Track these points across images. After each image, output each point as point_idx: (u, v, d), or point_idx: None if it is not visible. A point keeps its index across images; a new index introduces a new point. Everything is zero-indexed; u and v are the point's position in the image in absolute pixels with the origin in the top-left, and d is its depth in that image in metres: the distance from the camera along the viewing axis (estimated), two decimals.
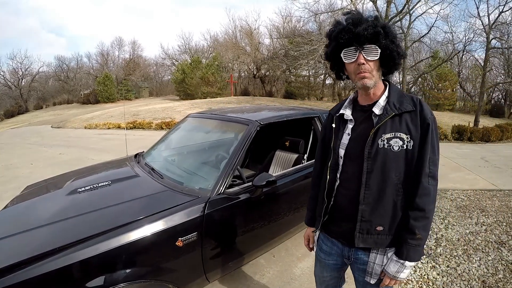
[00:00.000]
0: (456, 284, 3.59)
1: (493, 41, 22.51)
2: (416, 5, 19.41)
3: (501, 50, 24.96)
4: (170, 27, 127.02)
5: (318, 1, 21.44)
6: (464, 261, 4.07)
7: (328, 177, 2.04)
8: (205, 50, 55.59)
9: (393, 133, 1.78)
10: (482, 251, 4.30)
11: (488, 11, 21.88)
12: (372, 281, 1.94)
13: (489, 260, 4.11)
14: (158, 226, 2.49)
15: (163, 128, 17.36)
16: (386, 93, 1.88)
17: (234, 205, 2.97)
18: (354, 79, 1.85)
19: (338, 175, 1.98)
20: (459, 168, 8.91)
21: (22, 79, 64.00)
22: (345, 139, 1.95)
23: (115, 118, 23.16)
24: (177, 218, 2.60)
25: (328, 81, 45.83)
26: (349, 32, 1.74)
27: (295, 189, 3.72)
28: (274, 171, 4.61)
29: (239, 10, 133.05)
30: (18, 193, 5.66)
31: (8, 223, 2.82)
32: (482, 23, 22.38)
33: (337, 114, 2.03)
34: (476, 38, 23.69)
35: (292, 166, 4.22)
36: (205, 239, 2.75)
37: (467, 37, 23.99)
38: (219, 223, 2.90)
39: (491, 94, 42.50)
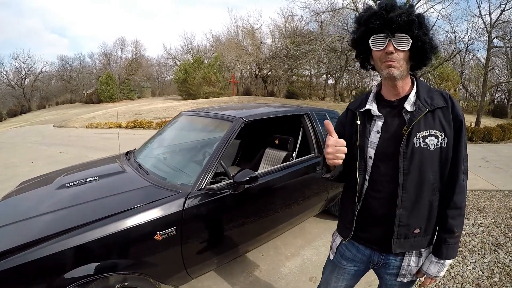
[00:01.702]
0: (449, 287, 3.53)
1: (495, 40, 22.47)
2: (417, 4, 19.32)
3: (503, 49, 24.88)
4: (172, 27, 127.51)
5: (318, 0, 21.33)
6: (459, 263, 4.01)
7: (357, 179, 1.88)
8: (207, 50, 55.76)
9: (428, 131, 1.69)
10: (478, 253, 4.23)
11: (489, 9, 21.76)
12: (406, 280, 1.90)
13: (484, 262, 4.03)
14: (137, 219, 2.53)
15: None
16: (415, 88, 1.79)
17: (215, 200, 2.97)
18: (380, 68, 1.74)
19: (367, 177, 1.86)
20: None
21: (25, 79, 64.34)
22: (374, 137, 1.82)
23: (116, 117, 23.27)
24: (156, 212, 2.62)
25: (330, 81, 45.91)
26: (381, 18, 1.63)
27: (282, 187, 3.71)
28: (264, 168, 4.58)
29: (240, 10, 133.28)
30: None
31: (1, 214, 2.91)
32: (483, 22, 22.34)
33: (362, 110, 1.88)
34: (478, 38, 23.64)
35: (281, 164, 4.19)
36: (185, 234, 2.76)
37: (469, 36, 23.96)
38: (200, 218, 2.90)
39: (493, 94, 42.50)
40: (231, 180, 3.06)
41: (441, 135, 1.68)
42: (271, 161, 4.63)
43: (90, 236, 2.33)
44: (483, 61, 24.98)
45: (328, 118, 4.67)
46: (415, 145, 1.68)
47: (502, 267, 3.92)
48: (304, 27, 34.39)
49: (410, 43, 1.62)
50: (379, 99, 1.86)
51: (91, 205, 2.78)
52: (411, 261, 1.84)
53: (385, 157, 1.77)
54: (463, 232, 4.78)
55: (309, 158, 4.16)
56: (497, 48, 24.22)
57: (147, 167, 3.52)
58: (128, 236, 2.49)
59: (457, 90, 38.11)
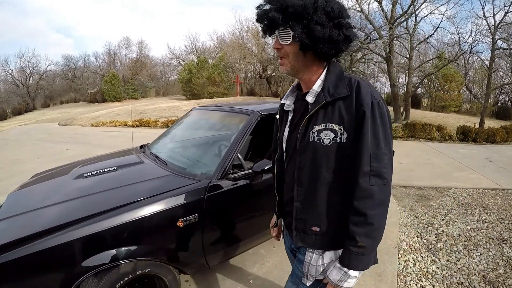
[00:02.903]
0: (456, 278, 3.62)
1: (499, 42, 22.47)
2: (421, 5, 19.38)
3: (507, 51, 24.88)
4: (177, 27, 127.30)
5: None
6: (465, 256, 4.10)
7: (275, 170, 2.01)
8: (212, 50, 55.82)
9: (324, 124, 1.56)
10: (483, 247, 4.32)
11: (493, 11, 21.77)
12: (308, 283, 1.75)
13: (489, 255, 4.13)
14: (159, 206, 2.59)
15: (168, 126, 17.42)
16: (322, 76, 1.65)
17: (234, 189, 3.06)
18: None
19: (284, 169, 1.88)
20: (462, 168, 8.94)
21: (30, 78, 64.54)
22: (286, 131, 1.82)
23: (121, 116, 23.43)
24: (178, 200, 2.69)
25: None
26: (259, 16, 1.58)
27: None
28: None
29: (245, 10, 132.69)
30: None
31: (21, 203, 2.99)
32: (487, 23, 22.36)
33: (280, 104, 1.89)
34: (482, 39, 23.67)
35: None
36: (206, 221, 2.84)
37: (473, 38, 23.97)
38: (219, 206, 2.98)
39: (497, 96, 42.37)
40: (250, 170, 3.17)
41: (340, 129, 1.53)
42: None
43: (112, 222, 2.38)
44: (487, 62, 24.93)
45: None
46: (310, 139, 1.59)
47: (506, 260, 4.02)
48: None
49: (291, 36, 1.52)
50: (298, 93, 1.80)
51: (112, 193, 2.86)
52: (312, 259, 1.73)
53: (291, 150, 1.75)
54: (468, 228, 4.89)
55: None
56: (501, 50, 24.20)
57: (164, 158, 3.60)
58: (151, 223, 2.55)
59: (461, 91, 38.03)
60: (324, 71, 1.65)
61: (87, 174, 3.29)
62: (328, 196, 1.61)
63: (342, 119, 1.52)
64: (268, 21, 1.54)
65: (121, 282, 2.42)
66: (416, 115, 23.38)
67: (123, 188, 2.95)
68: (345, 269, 1.55)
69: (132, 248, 2.46)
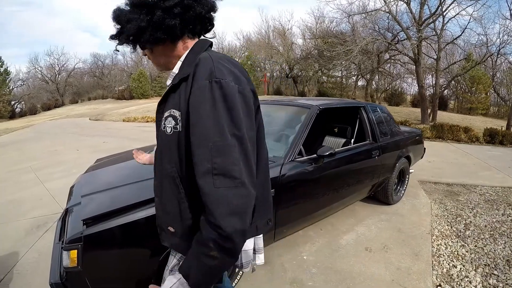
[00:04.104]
0: (483, 260, 3.97)
1: None
2: (449, 6, 19.28)
3: None
4: None
5: (353, 2, 21.39)
6: (490, 243, 4.42)
7: None
8: (238, 49, 55.83)
9: (169, 110, 1.39)
10: (508, 237, 4.60)
11: None
12: None
13: None
14: None
15: None
16: (183, 57, 1.48)
17: (302, 170, 3.48)
18: None
19: None
20: (489, 168, 9.04)
21: (59, 75, 65.34)
22: None
23: (151, 112, 23.58)
24: None
25: (360, 83, 45.68)
26: None
27: (346, 166, 4.22)
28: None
29: (271, 10, 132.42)
30: (68, 174, 6.96)
31: (101, 180, 3.32)
32: None
33: None
34: (510, 41, 23.42)
35: None
36: (279, 196, 3.19)
37: (501, 39, 23.66)
38: (290, 184, 3.34)
39: None
40: (314, 155, 3.59)
41: (179, 115, 1.34)
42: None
43: None
44: None
45: (380, 111, 5.26)
46: (161, 128, 1.43)
47: None
48: (335, 28, 34.44)
49: (118, 29, 1.41)
50: None
51: None
52: (172, 263, 1.58)
53: None
54: (494, 220, 5.19)
55: (365, 144, 4.68)
56: None
57: None
58: None
59: (488, 94, 37.47)
60: (187, 51, 1.47)
61: None
62: (176, 194, 1.42)
63: (180, 104, 1.34)
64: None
65: None
66: (443, 117, 23.25)
67: None
68: (179, 276, 1.23)
69: None
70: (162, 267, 2.43)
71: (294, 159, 3.45)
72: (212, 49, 1.53)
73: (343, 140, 4.98)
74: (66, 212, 2.80)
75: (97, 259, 2.28)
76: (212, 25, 1.54)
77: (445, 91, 36.70)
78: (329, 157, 3.52)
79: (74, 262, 2.15)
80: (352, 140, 4.93)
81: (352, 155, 4.35)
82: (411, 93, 44.52)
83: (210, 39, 1.57)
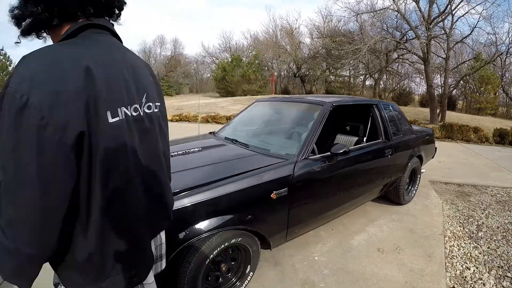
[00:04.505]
0: (496, 262, 3.91)
1: None
2: (459, 5, 19.11)
3: None
4: (210, 25, 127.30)
5: (361, 1, 21.20)
6: (503, 244, 4.36)
7: None
8: (245, 48, 55.87)
9: None
10: None
11: None
12: None
13: None
14: (259, 179, 2.90)
15: (209, 122, 17.71)
16: None
17: (315, 169, 3.41)
18: None
19: None
20: (499, 169, 8.97)
21: None
22: None
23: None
24: (272, 174, 3.00)
25: (368, 82, 45.58)
26: None
27: (358, 165, 4.14)
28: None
29: (278, 10, 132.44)
30: None
31: None
32: None
33: None
34: None
35: None
36: (292, 195, 3.14)
37: (510, 38, 23.47)
38: (304, 182, 3.28)
39: None
40: (328, 153, 3.53)
41: None
42: None
43: (221, 191, 2.62)
44: None
45: (392, 109, 5.19)
46: None
47: None
48: (342, 27, 34.34)
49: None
50: None
51: (209, 168, 3.10)
52: None
53: None
54: (506, 221, 5.13)
55: (378, 143, 4.60)
56: None
57: (244, 142, 3.94)
58: (252, 194, 2.83)
59: (497, 94, 37.23)
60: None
61: (173, 154, 3.38)
62: None
63: None
64: None
65: (216, 250, 2.62)
66: (451, 117, 23.07)
67: (220, 164, 3.26)
68: None
69: (235, 216, 2.70)
70: (172, 266, 2.43)
71: (307, 157, 3.39)
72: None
73: (355, 139, 4.92)
74: None
75: None
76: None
77: (454, 91, 36.47)
78: (343, 155, 3.43)
79: None
80: (365, 138, 4.84)
81: (365, 153, 4.28)
82: (419, 92, 44.41)
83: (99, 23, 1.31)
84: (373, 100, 5.11)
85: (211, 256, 2.59)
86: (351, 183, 4.09)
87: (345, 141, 5.06)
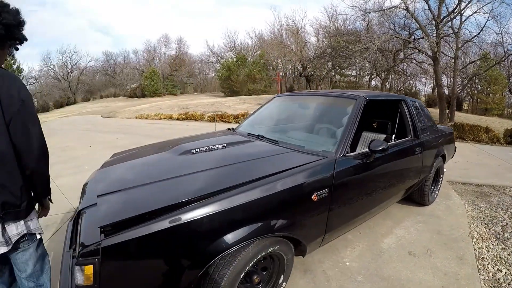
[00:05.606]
0: None
1: None
2: (468, 4, 18.94)
3: None
4: (215, 25, 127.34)
5: (369, 0, 21.00)
6: None
7: None
8: (250, 48, 55.82)
9: None
10: None
11: None
12: None
13: None
14: (297, 179, 2.66)
15: (215, 120, 17.67)
16: None
17: (354, 167, 3.21)
18: None
19: None
20: None
21: (71, 73, 65.82)
22: None
23: (164, 110, 23.90)
24: (313, 174, 2.79)
25: (373, 82, 45.42)
26: None
27: (391, 163, 3.95)
28: (361, 150, 4.80)
29: (283, 9, 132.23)
30: (80, 170, 6.99)
31: (121, 177, 2.98)
32: None
33: None
34: None
35: None
36: (333, 196, 2.93)
37: None
38: (343, 182, 3.08)
39: None
40: (366, 149, 3.34)
41: None
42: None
43: (251, 195, 2.34)
44: None
45: (418, 106, 5.03)
46: None
47: None
48: (349, 27, 34.17)
49: None
50: None
51: (241, 166, 2.92)
52: None
53: None
54: None
55: (407, 140, 4.42)
56: None
57: (272, 138, 3.76)
58: (292, 195, 2.60)
59: (503, 94, 37.07)
60: None
61: (194, 151, 3.27)
62: None
63: None
64: None
65: (253, 261, 2.40)
66: (459, 117, 22.88)
67: (250, 162, 3.05)
68: None
69: (273, 221, 2.48)
70: (200, 283, 2.25)
71: (345, 154, 3.19)
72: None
73: (383, 136, 4.70)
74: (79, 214, 2.44)
75: (119, 277, 1.97)
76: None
77: (460, 92, 36.32)
78: (382, 152, 3.24)
79: (89, 280, 1.83)
80: (393, 135, 4.66)
81: (398, 151, 4.09)
82: (425, 93, 44.19)
83: None
84: (401, 96, 4.92)
85: (247, 268, 2.38)
86: (385, 182, 3.92)
87: (371, 139, 4.83)
